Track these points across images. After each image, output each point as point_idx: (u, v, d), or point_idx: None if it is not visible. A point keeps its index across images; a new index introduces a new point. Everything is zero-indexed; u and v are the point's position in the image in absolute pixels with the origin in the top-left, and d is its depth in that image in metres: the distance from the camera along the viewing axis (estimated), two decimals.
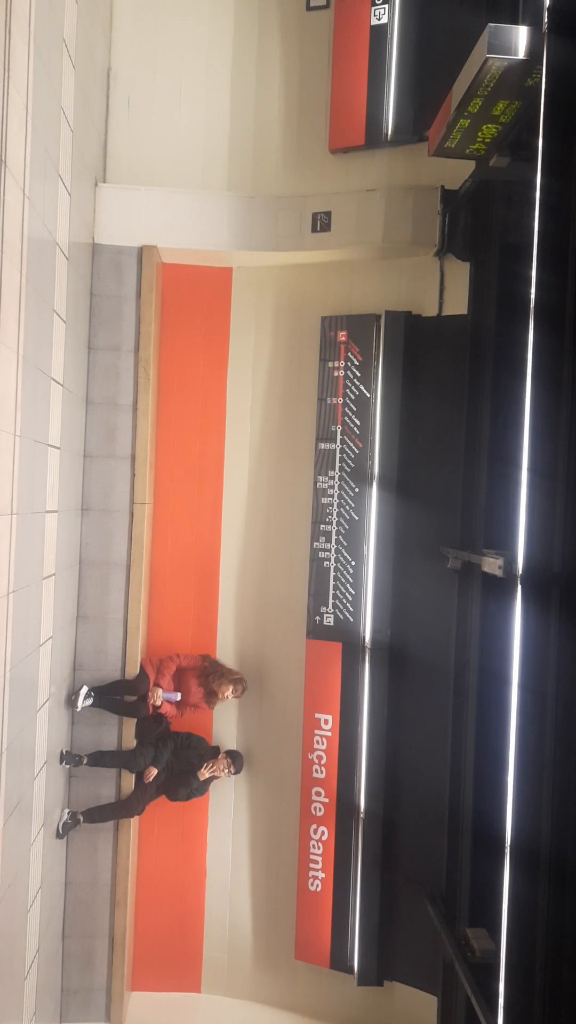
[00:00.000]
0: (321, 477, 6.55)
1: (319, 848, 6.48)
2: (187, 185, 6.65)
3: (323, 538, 6.52)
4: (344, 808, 6.40)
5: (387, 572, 6.27)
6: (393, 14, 6.16)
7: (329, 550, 6.49)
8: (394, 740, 6.24)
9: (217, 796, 6.88)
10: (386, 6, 6.17)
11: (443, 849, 5.63)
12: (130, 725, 6.42)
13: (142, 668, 6.51)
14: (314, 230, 6.37)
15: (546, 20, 3.97)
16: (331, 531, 6.49)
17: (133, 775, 6.40)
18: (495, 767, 4.72)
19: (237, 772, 6.68)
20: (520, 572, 4.12)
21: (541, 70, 4.00)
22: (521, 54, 4.06)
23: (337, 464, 6.47)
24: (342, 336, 6.48)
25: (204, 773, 6.49)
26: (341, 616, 6.43)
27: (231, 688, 6.52)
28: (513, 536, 4.23)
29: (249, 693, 6.76)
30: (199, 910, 6.95)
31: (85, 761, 6.16)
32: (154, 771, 6.35)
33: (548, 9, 3.97)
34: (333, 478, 6.48)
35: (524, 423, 4.09)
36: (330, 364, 6.53)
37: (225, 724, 6.92)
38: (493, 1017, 4.33)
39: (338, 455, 6.47)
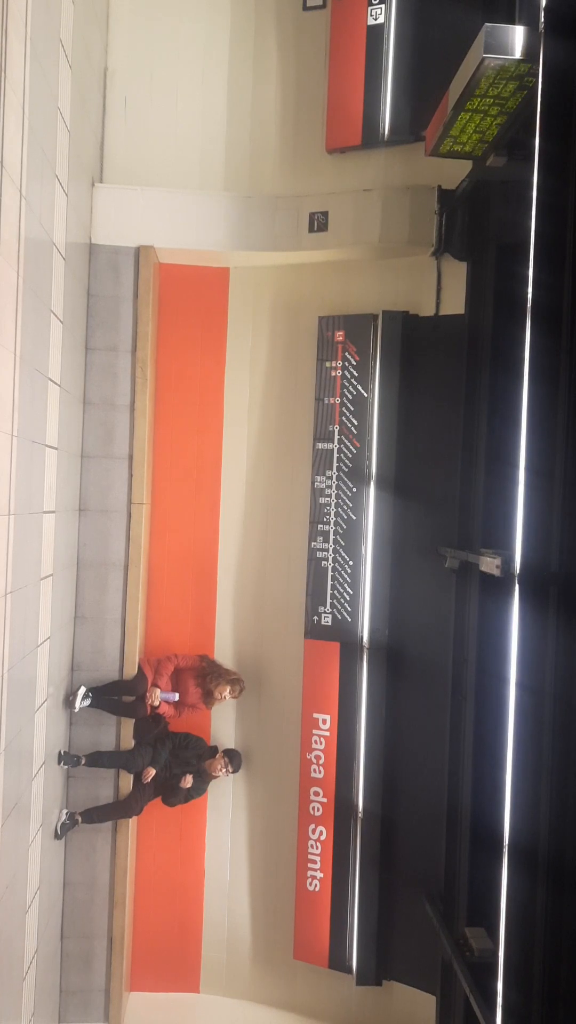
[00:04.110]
0: (319, 477, 6.55)
1: (317, 848, 6.48)
2: (184, 185, 6.65)
3: (321, 538, 6.52)
4: (342, 808, 6.40)
5: (385, 572, 6.27)
6: (390, 14, 6.16)
7: (327, 550, 6.49)
8: (392, 740, 6.24)
9: (215, 796, 6.88)
10: (383, 6, 6.16)
11: (441, 848, 5.63)
12: (128, 725, 6.41)
13: (140, 668, 6.50)
14: (311, 230, 6.37)
15: (542, 20, 3.97)
16: (329, 531, 6.49)
17: (131, 775, 6.40)
18: (493, 766, 4.73)
19: (235, 771, 6.68)
20: (518, 571, 4.12)
21: (537, 70, 4.01)
22: (517, 54, 4.06)
23: (335, 464, 6.48)
24: (339, 336, 6.48)
25: (187, 781, 6.44)
26: (339, 616, 6.43)
27: (229, 688, 6.52)
28: (511, 535, 4.23)
29: (247, 693, 6.76)
30: (198, 910, 6.95)
31: (83, 761, 6.16)
32: (152, 771, 6.35)
33: (544, 9, 3.98)
34: (331, 478, 6.49)
35: (521, 422, 4.09)
36: (327, 364, 6.53)
37: (223, 724, 6.92)
38: (492, 1016, 4.33)
39: (336, 455, 6.47)
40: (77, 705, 6.11)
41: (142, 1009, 6.80)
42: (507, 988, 4.22)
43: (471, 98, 4.43)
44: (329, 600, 6.47)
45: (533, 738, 4.02)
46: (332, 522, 6.48)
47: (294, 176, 6.65)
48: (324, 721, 6.46)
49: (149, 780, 6.35)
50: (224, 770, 6.60)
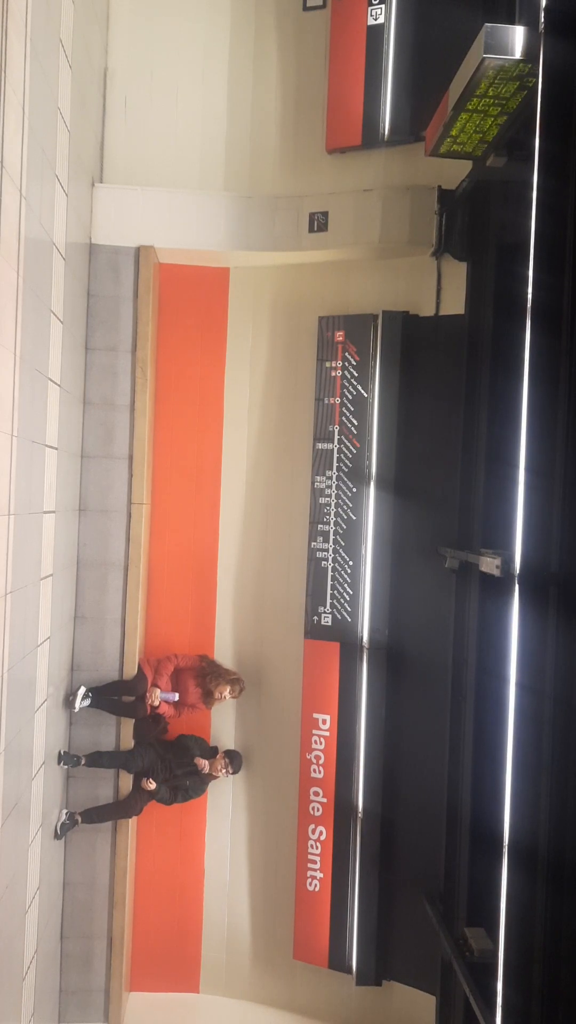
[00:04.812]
0: (319, 477, 6.55)
1: (317, 848, 6.48)
2: (184, 185, 6.65)
3: (321, 538, 6.52)
4: (342, 808, 6.40)
5: (385, 572, 6.27)
6: (390, 14, 6.16)
7: (327, 550, 6.49)
8: (392, 740, 6.24)
9: (215, 796, 6.88)
10: (383, 6, 6.16)
11: (441, 848, 5.63)
12: (128, 725, 6.41)
13: (140, 668, 6.50)
14: (311, 230, 6.37)
15: (542, 20, 3.97)
16: (329, 531, 6.49)
17: (131, 775, 6.40)
18: (493, 766, 4.73)
19: (235, 772, 6.68)
20: (517, 571, 4.12)
21: (537, 70, 4.01)
22: (517, 54, 4.06)
23: (335, 464, 6.48)
24: (339, 336, 6.48)
25: (149, 784, 6.40)
26: (339, 616, 6.43)
27: (228, 688, 6.51)
28: (510, 535, 4.24)
29: (247, 693, 6.75)
30: (197, 910, 6.95)
31: (83, 761, 6.16)
32: (153, 784, 6.34)
33: (544, 9, 3.98)
34: (331, 478, 6.49)
35: (521, 422, 4.09)
36: (327, 364, 6.53)
37: (223, 724, 6.92)
38: (491, 1016, 4.33)
39: (336, 455, 6.47)
40: (77, 705, 6.11)
41: (142, 1009, 6.80)
42: (507, 988, 4.22)
43: (471, 98, 4.44)
44: (329, 600, 6.47)
45: (533, 738, 4.03)
46: (332, 522, 6.48)
47: (294, 176, 6.65)
48: (324, 721, 6.46)
49: (150, 789, 6.35)
50: (224, 771, 6.59)
